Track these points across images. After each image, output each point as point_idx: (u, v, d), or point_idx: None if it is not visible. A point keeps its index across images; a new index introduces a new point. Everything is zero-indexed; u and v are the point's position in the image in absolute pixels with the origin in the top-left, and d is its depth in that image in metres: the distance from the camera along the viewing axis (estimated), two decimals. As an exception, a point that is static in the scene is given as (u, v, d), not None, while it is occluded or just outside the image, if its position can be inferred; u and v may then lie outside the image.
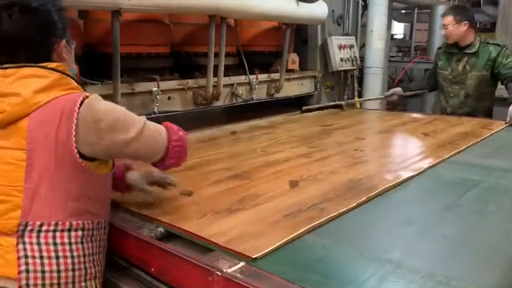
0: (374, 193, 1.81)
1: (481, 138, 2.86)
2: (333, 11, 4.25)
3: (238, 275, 1.14)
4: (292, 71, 3.92)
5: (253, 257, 1.24)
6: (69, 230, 1.29)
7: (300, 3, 3.39)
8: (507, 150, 2.69)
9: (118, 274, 1.41)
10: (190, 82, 3.12)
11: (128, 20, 2.64)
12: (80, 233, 1.31)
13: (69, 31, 1.51)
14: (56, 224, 1.27)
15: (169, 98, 3.01)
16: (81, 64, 2.49)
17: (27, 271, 1.23)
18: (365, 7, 4.78)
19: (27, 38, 1.35)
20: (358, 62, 4.45)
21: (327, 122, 3.52)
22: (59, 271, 1.25)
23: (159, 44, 3.01)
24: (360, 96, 4.67)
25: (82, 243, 1.31)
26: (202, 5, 2.72)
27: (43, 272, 1.24)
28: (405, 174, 2.08)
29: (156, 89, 2.84)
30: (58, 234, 1.27)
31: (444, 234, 1.48)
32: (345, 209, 1.63)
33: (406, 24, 11.46)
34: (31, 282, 1.22)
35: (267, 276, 1.16)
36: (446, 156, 2.39)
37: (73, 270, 1.28)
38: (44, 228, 1.26)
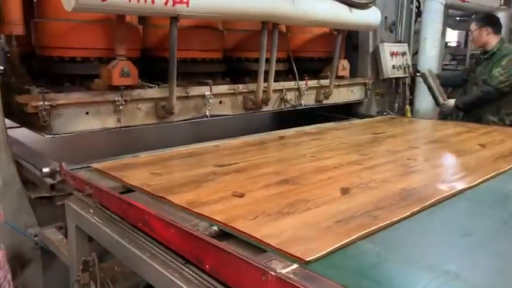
0: (428, 203, 1.75)
1: None
2: (386, 17, 4.19)
3: (292, 276, 1.15)
4: (342, 77, 3.90)
5: (307, 260, 1.25)
6: None
7: (353, 9, 3.37)
8: None
9: (174, 271, 1.46)
10: (241, 87, 3.18)
11: (184, 26, 2.74)
12: None
13: None
14: None
15: (220, 102, 3.09)
16: (139, 68, 2.63)
17: None
18: (418, 14, 4.68)
19: None
20: (411, 69, 4.36)
21: (378, 129, 3.46)
22: None
23: (213, 49, 3.10)
24: (411, 104, 4.57)
25: None
26: (257, 12, 2.77)
27: None
28: (460, 186, 2.00)
29: (209, 93, 2.92)
30: None
31: (501, 249, 1.43)
32: (398, 217, 1.60)
33: (460, 31, 11.05)
34: None
35: (320, 279, 1.17)
36: (505, 169, 2.29)
37: None
38: None
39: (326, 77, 3.76)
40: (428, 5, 4.52)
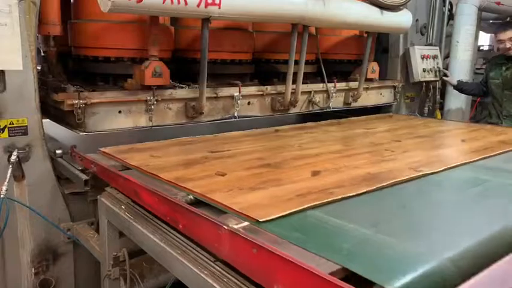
0: (384, 184, 1.90)
1: None
2: (417, 20, 4.13)
3: (240, 229, 1.40)
4: (371, 80, 3.86)
5: (258, 220, 1.49)
6: None
7: (384, 11, 3.33)
8: None
9: (204, 268, 1.50)
10: (269, 88, 3.19)
11: (215, 28, 2.77)
12: None
13: None
14: None
15: (248, 103, 3.11)
16: (171, 68, 2.67)
17: None
18: (451, 16, 4.59)
19: None
20: (442, 73, 4.28)
21: (372, 125, 3.49)
22: None
23: (243, 51, 3.12)
24: (441, 108, 4.49)
25: None
26: (288, 14, 2.78)
27: None
28: (422, 172, 2.13)
29: (238, 94, 2.95)
30: None
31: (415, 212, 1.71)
32: (350, 194, 1.77)
33: (493, 34, 10.76)
34: None
35: (262, 232, 1.43)
36: (470, 160, 2.41)
37: None
38: None
39: (355, 80, 3.73)
40: (462, 8, 4.42)
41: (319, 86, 3.52)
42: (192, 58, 2.98)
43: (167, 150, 2.49)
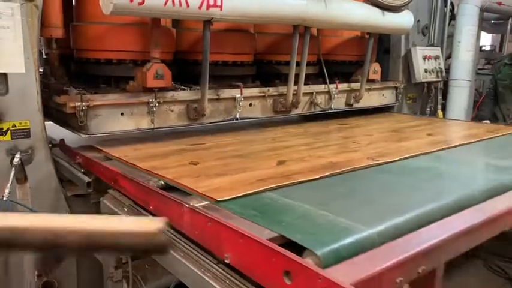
0: (338, 170, 2.09)
1: (477, 140, 2.98)
2: (419, 20, 4.13)
3: (200, 207, 1.59)
4: (373, 81, 3.86)
5: (217, 199, 1.68)
6: None
7: (385, 12, 3.33)
8: (486, 148, 2.85)
9: (206, 270, 1.53)
10: (271, 90, 3.19)
11: (216, 30, 2.77)
12: None
13: None
14: None
15: (250, 104, 3.11)
16: (173, 70, 2.68)
17: None
18: (452, 17, 4.59)
19: None
20: (444, 73, 4.27)
21: (347, 121, 3.61)
22: None
23: (244, 52, 3.12)
24: (443, 109, 4.48)
25: None
26: (289, 15, 2.78)
27: None
28: (381, 160, 2.31)
29: (240, 95, 2.95)
30: None
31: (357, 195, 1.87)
32: (306, 178, 1.96)
33: (495, 35, 10.75)
34: None
35: (219, 209, 1.62)
36: (426, 151, 2.57)
37: None
38: None
39: (357, 81, 3.73)
40: (463, 8, 4.42)
41: (321, 87, 3.52)
42: (193, 60, 2.98)
43: (150, 142, 2.64)
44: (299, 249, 1.29)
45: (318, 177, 1.99)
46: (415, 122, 3.68)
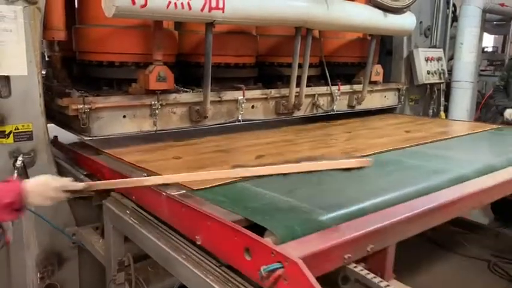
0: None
1: (451, 136, 3.10)
2: (421, 22, 4.12)
3: (176, 195, 1.73)
4: (375, 82, 3.85)
5: (193, 188, 1.80)
6: None
7: (387, 14, 3.33)
8: (458, 144, 2.95)
9: (208, 273, 1.54)
10: (273, 92, 3.19)
11: (218, 32, 2.77)
12: None
13: None
14: None
15: (252, 106, 3.11)
16: (175, 72, 2.68)
17: None
18: (454, 18, 4.58)
19: None
20: (446, 75, 4.27)
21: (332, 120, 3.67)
22: None
23: (246, 54, 3.12)
24: (446, 111, 4.47)
25: None
26: (291, 17, 2.78)
27: None
28: (354, 154, 2.40)
29: (242, 97, 2.95)
30: None
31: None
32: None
33: (497, 36, 10.72)
34: None
35: (193, 197, 1.74)
36: (399, 147, 2.70)
37: None
38: None
39: (359, 83, 3.72)
40: (465, 10, 4.42)
41: (323, 89, 3.51)
42: (195, 62, 2.98)
43: (140, 139, 2.69)
44: (263, 231, 1.43)
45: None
46: (398, 120, 3.76)
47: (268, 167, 1.73)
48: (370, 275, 1.41)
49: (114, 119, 2.51)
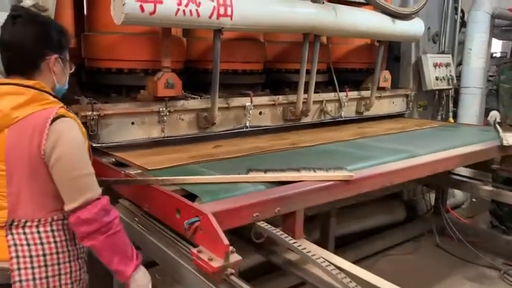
0: (258, 151, 2.57)
1: (399, 131, 3.38)
2: (429, 28, 4.10)
3: (132, 173, 2.06)
4: (383, 89, 3.83)
5: (148, 168, 2.13)
6: (51, 223, 1.50)
7: (396, 20, 3.32)
8: (401, 138, 3.17)
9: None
10: (281, 98, 3.18)
11: (226, 38, 2.77)
12: (60, 222, 1.52)
13: (66, 53, 1.65)
14: (39, 220, 1.49)
15: (260, 113, 3.10)
16: (183, 79, 2.68)
17: (17, 257, 1.45)
18: (463, 24, 4.55)
19: (21, 43, 1.49)
20: (455, 81, 4.24)
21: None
22: (44, 255, 1.48)
23: (254, 61, 3.12)
24: (454, 117, 4.44)
25: (63, 230, 1.53)
26: (300, 24, 2.78)
27: (31, 256, 1.46)
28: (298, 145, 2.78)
29: (249, 104, 2.94)
30: (41, 227, 1.49)
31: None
32: (233, 155, 2.45)
33: (505, 41, 10.66)
34: (21, 266, 1.45)
35: (146, 175, 2.06)
36: (344, 139, 3.01)
37: (57, 253, 1.50)
38: (28, 224, 1.48)
39: (367, 89, 3.71)
40: (474, 15, 4.39)
41: (331, 95, 3.50)
42: (203, 69, 2.99)
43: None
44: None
45: (237, 155, 2.45)
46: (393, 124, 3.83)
47: (267, 175, 2.01)
48: (277, 231, 1.75)
49: (123, 125, 2.51)
